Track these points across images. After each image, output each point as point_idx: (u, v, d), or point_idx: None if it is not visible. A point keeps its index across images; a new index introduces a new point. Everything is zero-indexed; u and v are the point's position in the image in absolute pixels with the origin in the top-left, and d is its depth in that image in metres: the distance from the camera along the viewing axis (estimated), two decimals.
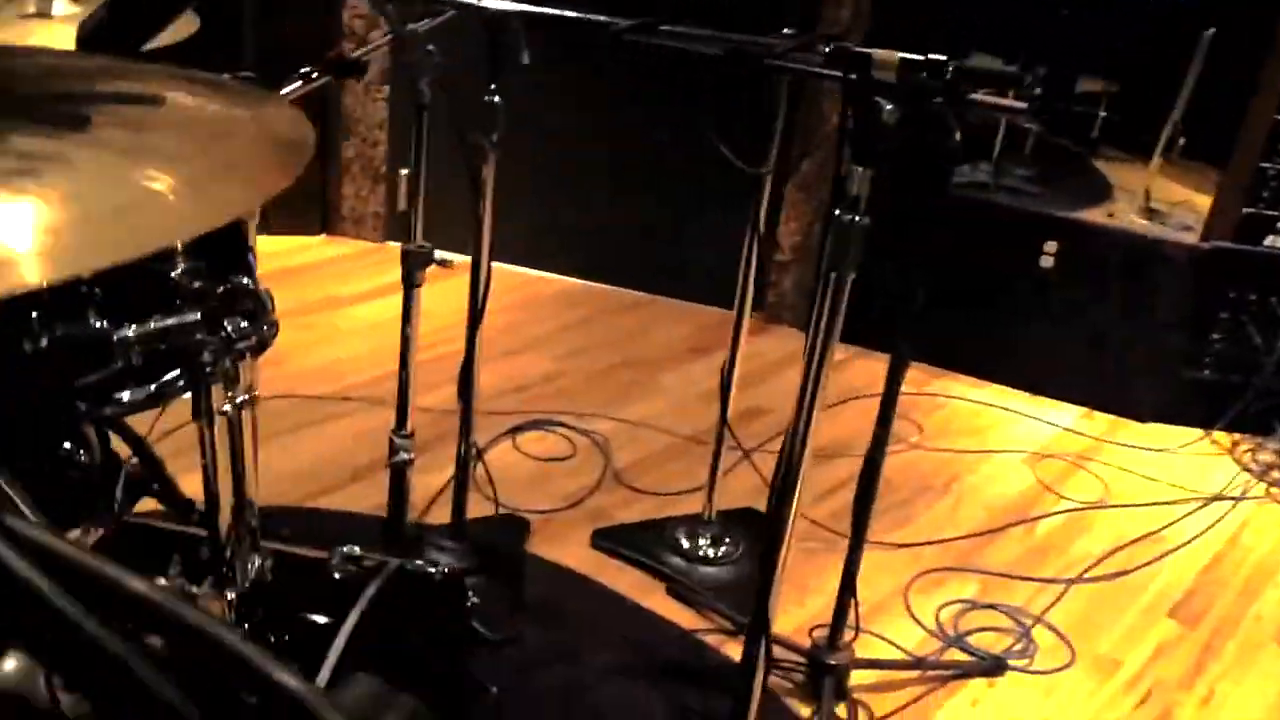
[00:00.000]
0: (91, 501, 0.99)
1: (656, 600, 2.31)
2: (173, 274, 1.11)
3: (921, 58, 1.07)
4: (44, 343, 0.94)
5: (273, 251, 3.62)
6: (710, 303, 3.55)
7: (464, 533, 2.29)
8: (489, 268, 1.93)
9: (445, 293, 3.33)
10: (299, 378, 2.91)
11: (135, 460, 1.23)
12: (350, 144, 3.62)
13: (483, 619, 2.16)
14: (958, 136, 1.18)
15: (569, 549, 2.44)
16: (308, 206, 3.73)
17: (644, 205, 3.61)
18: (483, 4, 1.64)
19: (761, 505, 2.65)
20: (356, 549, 1.33)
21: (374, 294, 3.42)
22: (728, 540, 2.47)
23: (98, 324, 1.02)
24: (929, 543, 2.63)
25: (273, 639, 1.19)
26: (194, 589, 1.16)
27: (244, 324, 1.11)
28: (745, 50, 1.24)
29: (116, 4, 1.00)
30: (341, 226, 3.73)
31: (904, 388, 1.80)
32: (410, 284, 1.61)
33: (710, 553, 2.45)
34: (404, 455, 1.80)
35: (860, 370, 3.24)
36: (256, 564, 1.23)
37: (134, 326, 1.03)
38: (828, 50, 1.12)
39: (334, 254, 3.72)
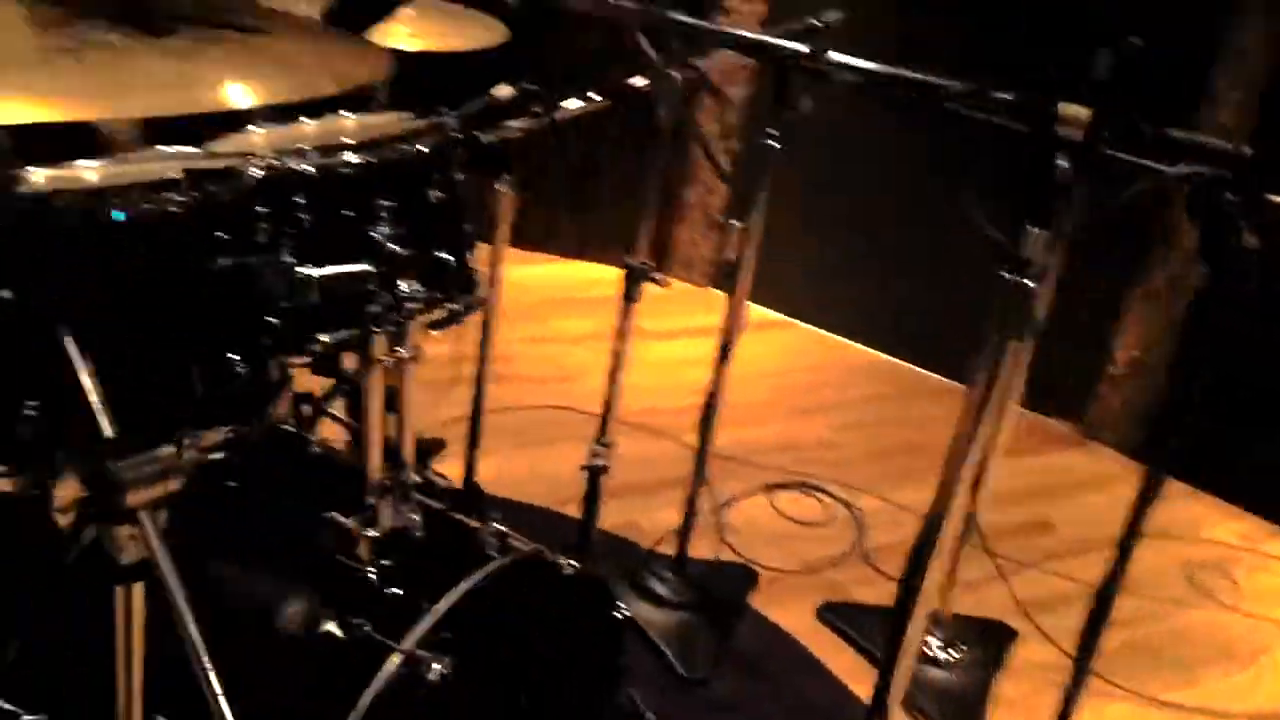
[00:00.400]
0: (245, 410, 1.10)
1: (864, 686, 2.19)
2: (371, 231, 1.23)
3: None
4: (230, 262, 1.07)
5: (599, 279, 3.82)
6: (1027, 405, 3.33)
7: (685, 568, 2.29)
8: (744, 311, 1.95)
9: (776, 346, 3.38)
10: (586, 395, 3.04)
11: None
12: (692, 189, 3.77)
13: (680, 653, 2.16)
14: None
15: (792, 613, 2.37)
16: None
17: (970, 292, 3.46)
18: (774, 40, 1.64)
19: (1010, 619, 2.46)
20: (504, 528, 1.38)
21: (682, 333, 3.52)
22: (961, 646, 2.30)
23: (286, 259, 1.14)
24: (1210, 712, 2.32)
25: (393, 590, 1.26)
26: (339, 517, 1.26)
27: (417, 288, 1.20)
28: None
29: None
30: (673, 268, 3.87)
31: (1231, 539, 1.61)
32: (629, 298, 1.67)
33: (939, 654, 2.29)
34: (599, 461, 1.85)
35: (1183, 510, 2.91)
36: (405, 515, 1.31)
37: (314, 267, 1.15)
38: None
39: (658, 292, 3.85)
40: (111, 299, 1.01)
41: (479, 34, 1.87)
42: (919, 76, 1.40)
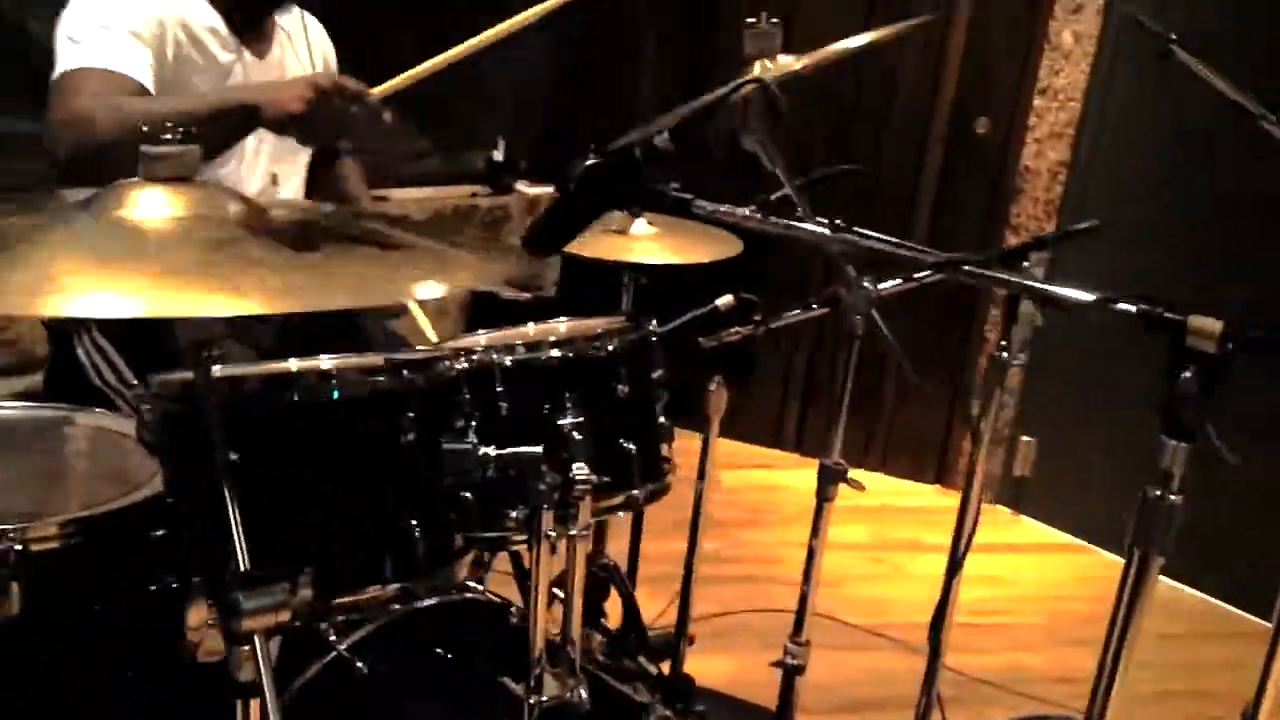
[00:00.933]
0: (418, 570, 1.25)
1: None
2: (556, 418, 1.38)
3: None
4: (413, 437, 1.24)
5: (883, 489, 3.80)
6: None
7: None
8: (976, 512, 1.91)
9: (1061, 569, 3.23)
10: (847, 602, 3.02)
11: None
12: (978, 403, 3.70)
13: None
14: None
15: None
16: (926, 455, 3.86)
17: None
18: None
19: None
20: (667, 712, 1.43)
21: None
22: None
23: (471, 439, 1.31)
24: None
25: None
26: (509, 682, 1.37)
27: (585, 471, 1.32)
28: None
29: (552, 211, 1.30)
30: (955, 480, 3.79)
31: None
32: (821, 497, 1.69)
33: None
34: (791, 660, 1.84)
35: None
36: (571, 688, 1.40)
37: (494, 447, 1.30)
38: None
39: (936, 504, 3.78)
40: (310, 459, 1.21)
41: (716, 247, 2.02)
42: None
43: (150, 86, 1.77)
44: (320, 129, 1.72)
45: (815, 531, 1.72)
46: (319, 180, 2.22)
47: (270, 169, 2.01)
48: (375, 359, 1.29)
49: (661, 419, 1.57)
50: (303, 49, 2.01)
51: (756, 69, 1.60)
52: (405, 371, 1.29)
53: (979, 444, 1.94)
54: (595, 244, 1.99)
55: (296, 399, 1.24)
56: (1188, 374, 0.97)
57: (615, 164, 1.26)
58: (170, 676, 1.25)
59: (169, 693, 1.24)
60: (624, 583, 2.17)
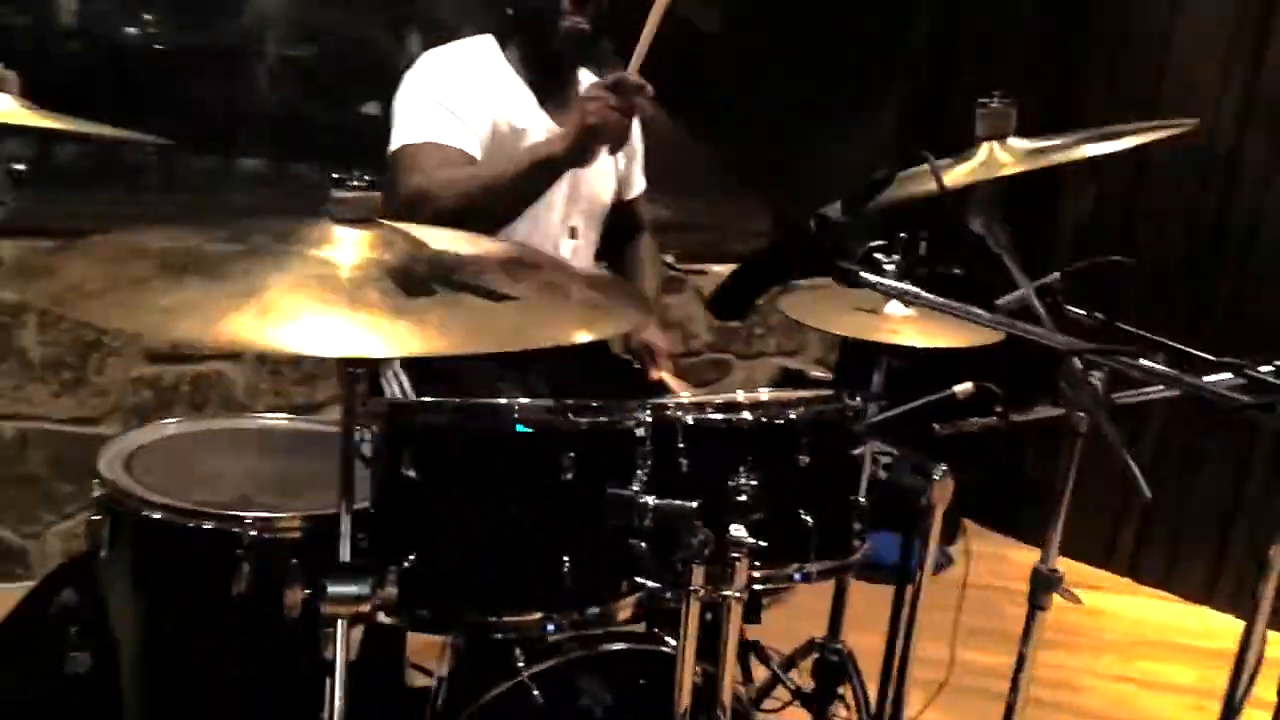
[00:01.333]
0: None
1: None
2: (731, 483, 1.40)
3: None
4: (577, 477, 1.33)
5: (1225, 631, 3.39)
6: None
7: None
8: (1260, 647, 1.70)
9: None
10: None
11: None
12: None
13: None
14: None
15: None
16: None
17: None
18: None
19: None
20: None
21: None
22: None
23: (635, 487, 1.37)
24: None
25: None
26: None
27: (742, 532, 1.33)
28: None
29: (735, 277, 1.35)
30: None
31: None
32: (1034, 605, 1.55)
33: None
34: None
35: None
36: None
37: (654, 498, 1.35)
38: None
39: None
40: (484, 485, 1.33)
41: (976, 333, 1.95)
42: None
43: (477, 156, 2.01)
44: (610, 131, 1.81)
45: (1024, 637, 1.59)
46: (617, 249, 2.40)
47: (570, 223, 2.20)
48: (558, 401, 1.39)
49: (858, 498, 1.55)
50: None
51: (983, 151, 1.55)
52: (587, 416, 1.38)
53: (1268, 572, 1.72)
54: (850, 323, 1.98)
55: (481, 428, 1.36)
56: None
57: (790, 235, 1.29)
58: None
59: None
60: (856, 671, 2.11)
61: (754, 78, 3.82)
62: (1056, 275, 1.81)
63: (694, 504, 1.33)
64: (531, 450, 1.37)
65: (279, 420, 1.83)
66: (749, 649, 2.11)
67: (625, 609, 1.43)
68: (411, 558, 1.33)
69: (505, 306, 1.03)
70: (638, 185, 2.43)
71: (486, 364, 1.95)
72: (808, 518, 1.47)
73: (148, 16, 3.81)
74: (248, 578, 1.42)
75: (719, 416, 1.45)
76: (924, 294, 1.21)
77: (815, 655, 2.18)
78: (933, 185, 1.37)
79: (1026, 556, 3.79)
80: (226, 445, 1.72)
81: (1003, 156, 1.53)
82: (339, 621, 1.01)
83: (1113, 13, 3.59)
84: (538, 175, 1.90)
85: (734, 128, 3.85)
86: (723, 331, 3.57)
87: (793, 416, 1.47)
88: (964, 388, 1.83)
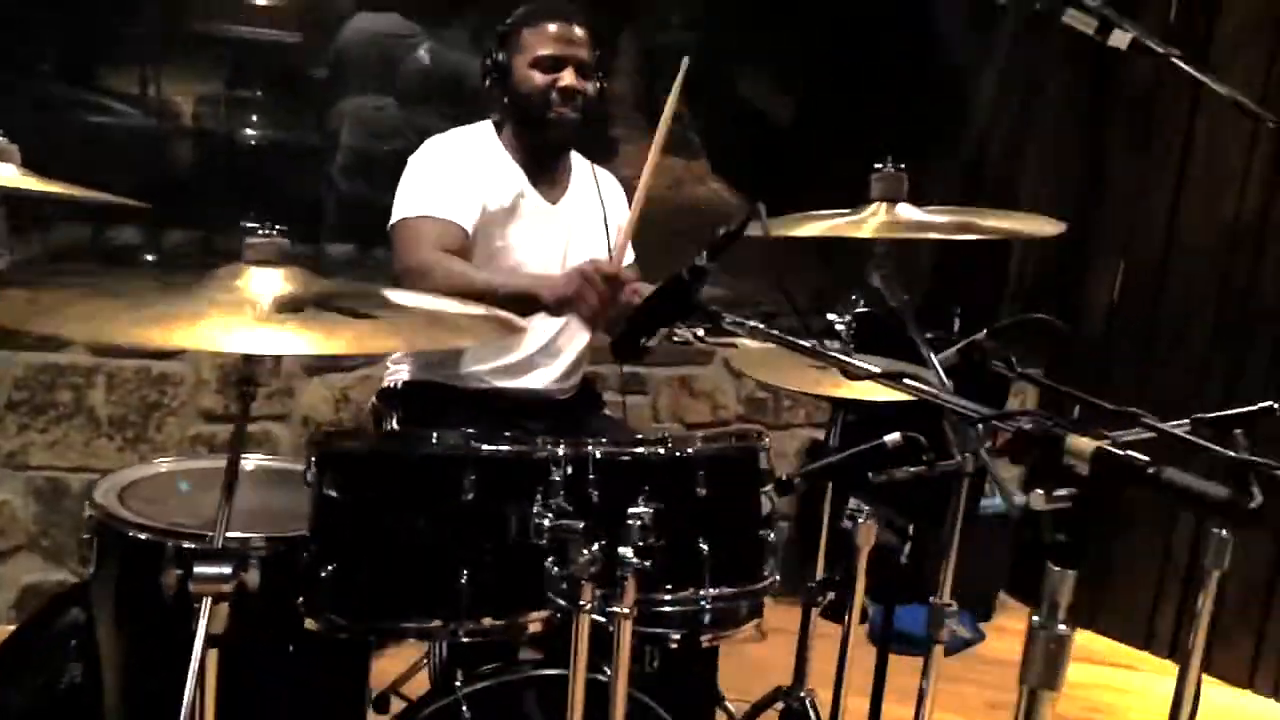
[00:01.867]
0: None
1: None
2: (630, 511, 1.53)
3: None
4: (471, 497, 1.48)
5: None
6: None
7: None
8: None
9: None
10: None
11: None
12: None
13: None
14: None
15: None
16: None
17: None
18: None
19: None
20: None
21: None
22: None
23: (538, 509, 1.51)
24: None
25: None
26: None
27: (630, 554, 1.46)
28: None
29: (629, 321, 1.49)
30: None
31: None
32: (931, 640, 1.61)
33: None
34: None
35: None
36: None
37: (550, 514, 1.49)
38: None
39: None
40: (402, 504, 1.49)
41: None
42: None
43: (470, 230, 2.21)
44: (588, 311, 2.00)
45: (924, 672, 1.66)
46: None
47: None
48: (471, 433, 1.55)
49: (762, 532, 1.66)
50: (591, 199, 2.37)
51: (870, 211, 1.68)
52: (498, 445, 1.54)
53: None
54: (806, 379, 2.10)
55: (391, 453, 1.53)
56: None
57: (670, 283, 1.44)
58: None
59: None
60: (817, 716, 2.17)
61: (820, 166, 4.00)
62: (984, 332, 1.90)
63: (580, 524, 1.47)
64: (438, 474, 1.52)
65: (265, 460, 2.03)
66: (713, 700, 2.19)
67: (534, 622, 1.56)
68: (330, 567, 1.50)
69: (360, 322, 1.20)
70: (627, 259, 2.60)
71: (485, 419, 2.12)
72: (704, 546, 1.58)
73: (254, 118, 4.32)
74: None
75: (624, 450, 1.58)
76: (773, 332, 1.33)
77: (780, 705, 2.25)
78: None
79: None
80: (211, 480, 1.93)
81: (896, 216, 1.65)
82: (205, 599, 1.17)
83: (1142, 81, 3.65)
84: (521, 304, 2.03)
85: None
86: (751, 403, 3.68)
87: (690, 452, 1.59)
88: (893, 438, 1.92)
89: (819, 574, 2.20)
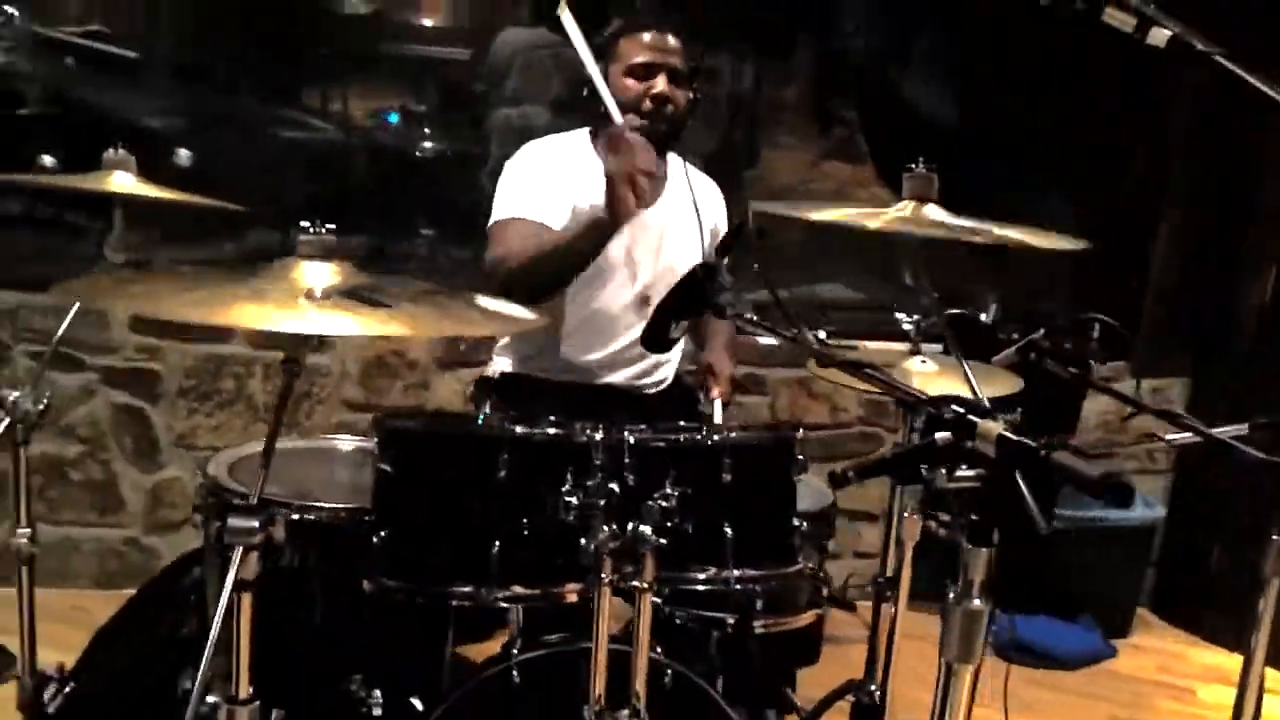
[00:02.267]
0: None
1: None
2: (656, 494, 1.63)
3: None
4: (503, 475, 1.61)
5: None
6: None
7: None
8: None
9: None
10: None
11: None
12: None
13: None
14: None
15: None
16: None
17: None
18: None
19: None
20: None
21: None
22: None
23: (568, 488, 1.62)
24: None
25: None
26: None
27: (647, 531, 1.55)
28: None
29: (655, 313, 1.58)
30: None
31: None
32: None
33: None
34: None
35: None
36: None
37: (581, 493, 1.60)
38: None
39: None
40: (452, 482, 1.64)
41: (995, 385, 2.05)
42: None
43: (559, 229, 2.35)
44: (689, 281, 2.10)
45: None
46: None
47: (643, 292, 2.47)
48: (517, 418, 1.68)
49: (794, 519, 1.73)
50: (685, 201, 2.47)
51: (895, 210, 1.71)
52: (540, 429, 1.67)
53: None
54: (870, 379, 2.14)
55: (452, 434, 1.68)
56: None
57: (689, 280, 1.54)
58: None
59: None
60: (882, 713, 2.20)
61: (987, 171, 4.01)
62: (1041, 332, 1.90)
63: (601, 502, 1.58)
64: (478, 453, 1.65)
65: (366, 442, 2.22)
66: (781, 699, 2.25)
67: (571, 593, 1.67)
68: (382, 534, 1.66)
69: (380, 311, 1.36)
70: None
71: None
72: (728, 529, 1.66)
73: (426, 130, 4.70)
74: (289, 552, 1.80)
75: (657, 437, 1.68)
76: (754, 318, 1.41)
77: (851, 698, 2.28)
78: None
79: (1203, 655, 3.64)
80: (313, 458, 2.13)
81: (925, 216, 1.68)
82: (236, 548, 1.34)
83: None
84: (589, 234, 2.19)
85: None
86: (871, 405, 3.68)
87: (716, 439, 1.68)
88: (944, 436, 1.95)
89: (888, 572, 2.21)
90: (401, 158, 4.91)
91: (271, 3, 5.11)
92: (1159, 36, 1.63)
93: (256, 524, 1.34)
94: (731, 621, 1.99)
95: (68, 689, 2.05)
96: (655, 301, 2.45)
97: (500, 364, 2.57)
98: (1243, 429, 1.62)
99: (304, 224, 1.49)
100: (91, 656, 2.05)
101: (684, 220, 2.46)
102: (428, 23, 5.36)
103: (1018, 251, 4.21)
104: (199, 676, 1.33)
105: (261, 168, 5.10)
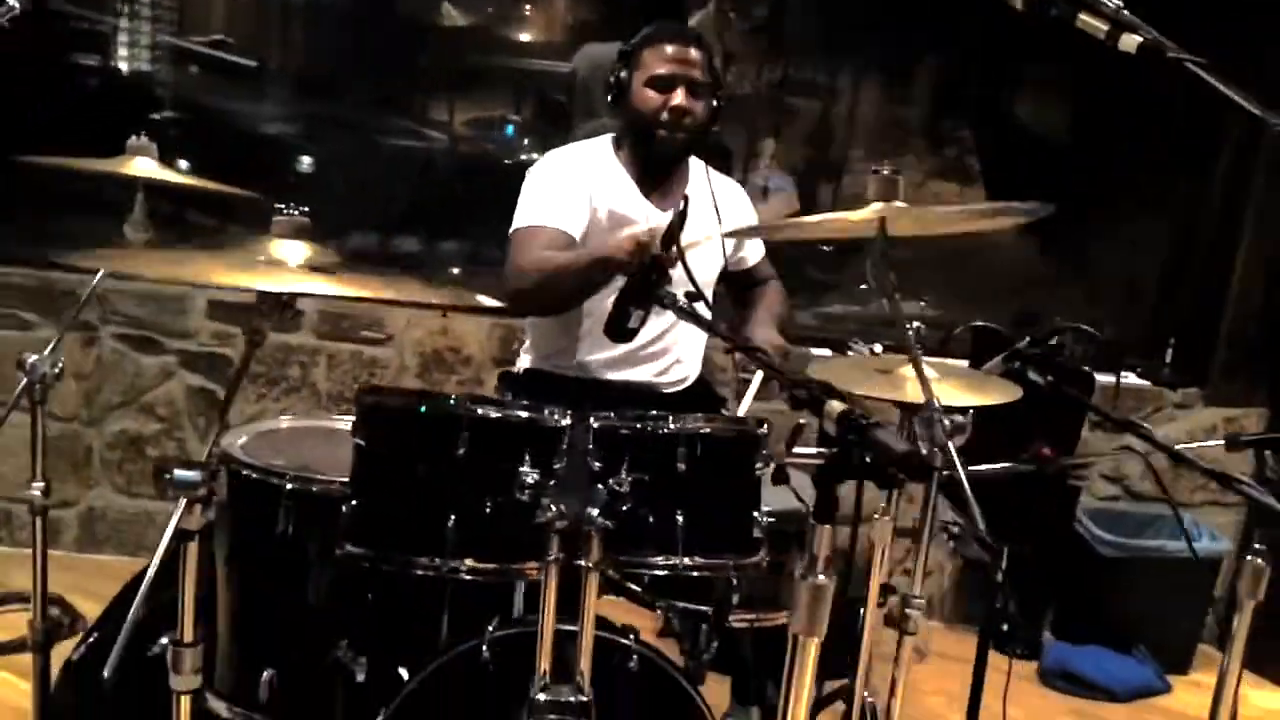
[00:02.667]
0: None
1: None
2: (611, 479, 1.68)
3: None
4: (462, 452, 1.68)
5: None
6: None
7: None
8: None
9: None
10: None
11: None
12: None
13: None
14: None
15: None
16: None
17: None
18: None
19: None
20: None
21: None
22: None
23: (527, 466, 1.68)
24: None
25: None
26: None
27: (595, 512, 1.60)
28: None
29: (614, 305, 1.62)
30: None
31: None
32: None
33: None
34: None
35: None
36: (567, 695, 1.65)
37: (537, 473, 1.66)
38: None
39: None
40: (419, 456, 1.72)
41: (991, 393, 2.03)
42: None
43: (578, 236, 2.41)
44: (641, 275, 2.14)
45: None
46: (746, 298, 2.71)
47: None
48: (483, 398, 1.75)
49: (753, 512, 1.75)
50: (706, 206, 2.51)
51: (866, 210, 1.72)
52: (518, 413, 1.74)
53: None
54: (871, 385, 2.14)
55: (415, 410, 1.76)
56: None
57: (637, 274, 1.59)
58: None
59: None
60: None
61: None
62: (1026, 341, 1.88)
63: (550, 481, 1.64)
64: (439, 430, 1.72)
65: None
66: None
67: (531, 570, 1.73)
68: (352, 504, 1.75)
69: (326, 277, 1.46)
70: (755, 254, 2.72)
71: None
72: (679, 516, 1.69)
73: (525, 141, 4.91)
74: (285, 520, 1.92)
75: (616, 424, 1.73)
76: (695, 311, 1.45)
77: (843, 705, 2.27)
78: None
79: (1265, 697, 3.52)
80: (319, 435, 2.24)
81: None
82: (181, 499, 1.44)
83: None
84: (594, 269, 2.23)
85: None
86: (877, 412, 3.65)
87: (670, 429, 1.71)
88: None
89: (917, 589, 2.12)
90: (501, 166, 5.10)
91: (377, 15, 5.38)
92: (1129, 42, 1.62)
93: (199, 477, 1.43)
94: (708, 611, 2.01)
95: (91, 638, 2.20)
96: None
97: (524, 360, 2.65)
98: (1219, 444, 1.59)
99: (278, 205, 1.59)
100: (111, 610, 2.19)
101: (702, 224, 2.50)
102: (525, 37, 5.53)
103: (1100, 274, 4.15)
104: (130, 614, 1.42)
105: (368, 173, 5.39)
